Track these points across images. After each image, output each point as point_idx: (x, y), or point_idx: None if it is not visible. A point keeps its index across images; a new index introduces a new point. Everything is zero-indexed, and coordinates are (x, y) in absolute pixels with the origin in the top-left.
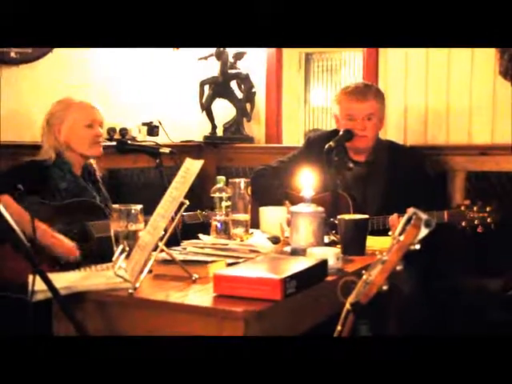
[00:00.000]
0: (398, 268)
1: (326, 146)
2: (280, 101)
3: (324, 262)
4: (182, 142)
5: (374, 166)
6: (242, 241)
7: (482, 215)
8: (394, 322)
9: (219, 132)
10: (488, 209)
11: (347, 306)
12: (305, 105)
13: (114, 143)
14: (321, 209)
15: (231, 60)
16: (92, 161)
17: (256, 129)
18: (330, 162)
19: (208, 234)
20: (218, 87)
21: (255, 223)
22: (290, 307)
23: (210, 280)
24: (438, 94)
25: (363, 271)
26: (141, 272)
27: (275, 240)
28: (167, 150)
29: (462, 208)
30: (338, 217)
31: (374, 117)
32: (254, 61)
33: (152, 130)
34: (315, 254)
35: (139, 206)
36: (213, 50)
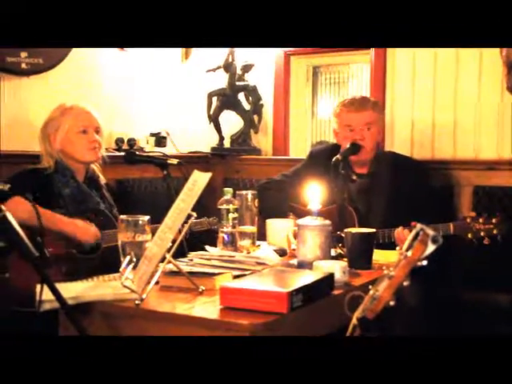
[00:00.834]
0: (405, 283)
1: (334, 159)
2: (287, 113)
3: (330, 276)
4: (189, 152)
5: (376, 178)
6: (248, 253)
7: (488, 227)
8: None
9: (226, 143)
10: (494, 220)
11: (354, 320)
12: (312, 117)
13: (123, 153)
14: (328, 222)
15: (239, 72)
16: (95, 167)
17: (263, 141)
18: (337, 175)
19: (214, 242)
20: (226, 99)
21: (260, 235)
22: (295, 320)
23: (216, 292)
24: (446, 108)
25: (370, 286)
26: (148, 283)
27: (282, 252)
28: (175, 161)
29: (468, 220)
30: (345, 230)
31: (373, 126)
32: (262, 73)
33: (160, 140)
34: (322, 268)
35: (146, 217)
36: (221, 62)
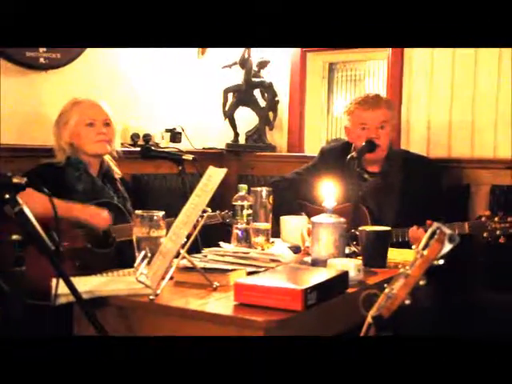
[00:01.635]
0: (421, 283)
1: (349, 157)
2: (303, 110)
3: (345, 274)
4: (204, 149)
5: (388, 176)
6: (262, 249)
7: (504, 226)
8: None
9: (241, 140)
10: (509, 219)
11: (369, 319)
12: (327, 114)
13: (138, 149)
14: (342, 219)
15: (255, 68)
16: (110, 161)
17: (278, 137)
18: (352, 173)
19: (228, 238)
20: (242, 95)
21: (273, 232)
22: (310, 318)
23: (230, 288)
24: (463, 107)
25: (385, 284)
26: (162, 278)
27: (296, 250)
28: (190, 157)
29: (483, 219)
30: (360, 228)
31: (387, 125)
32: (278, 70)
33: (175, 136)
34: (336, 265)
35: (161, 213)
36: (237, 59)
